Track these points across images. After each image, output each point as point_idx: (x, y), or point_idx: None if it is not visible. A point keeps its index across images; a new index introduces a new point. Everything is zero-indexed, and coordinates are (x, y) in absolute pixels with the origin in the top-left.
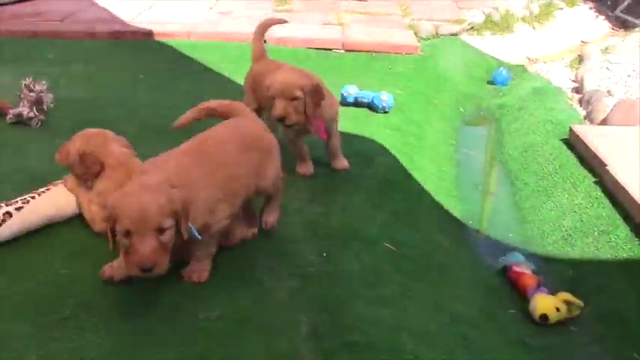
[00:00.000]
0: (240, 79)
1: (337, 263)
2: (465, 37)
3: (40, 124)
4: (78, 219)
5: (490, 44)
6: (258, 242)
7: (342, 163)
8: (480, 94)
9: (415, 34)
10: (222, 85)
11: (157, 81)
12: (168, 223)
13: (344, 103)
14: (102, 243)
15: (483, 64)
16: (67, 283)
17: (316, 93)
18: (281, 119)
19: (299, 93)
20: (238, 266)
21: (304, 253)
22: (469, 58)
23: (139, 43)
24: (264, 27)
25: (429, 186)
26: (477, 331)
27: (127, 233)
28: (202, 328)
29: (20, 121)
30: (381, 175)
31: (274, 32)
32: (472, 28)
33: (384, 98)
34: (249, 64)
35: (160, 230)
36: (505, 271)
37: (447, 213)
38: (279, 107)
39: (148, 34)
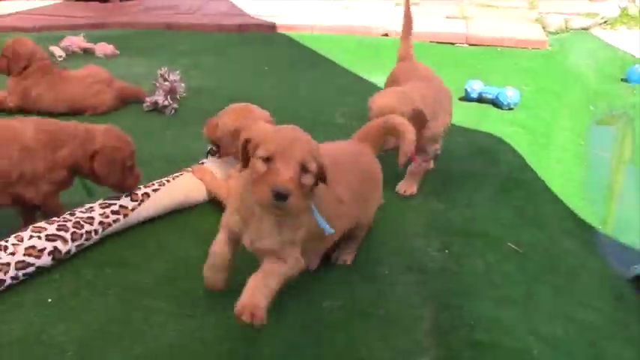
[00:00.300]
0: (361, 73)
1: (459, 260)
2: (597, 31)
3: (173, 111)
4: (208, 204)
5: (625, 39)
6: (380, 236)
7: (412, 189)
8: (612, 92)
9: (543, 28)
10: (344, 78)
11: (281, 72)
12: (313, 167)
13: (467, 98)
14: None
15: (617, 61)
16: (198, 264)
17: (417, 118)
18: None
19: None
20: (361, 259)
21: (425, 248)
22: (601, 54)
23: (264, 36)
24: (406, 22)
25: (555, 187)
26: (607, 341)
27: (268, 159)
28: (326, 317)
29: (155, 109)
30: (505, 173)
31: (398, 25)
32: (605, 22)
33: (510, 94)
34: (370, 58)
35: (304, 169)
36: (638, 280)
37: (574, 215)
38: None
39: (273, 27)
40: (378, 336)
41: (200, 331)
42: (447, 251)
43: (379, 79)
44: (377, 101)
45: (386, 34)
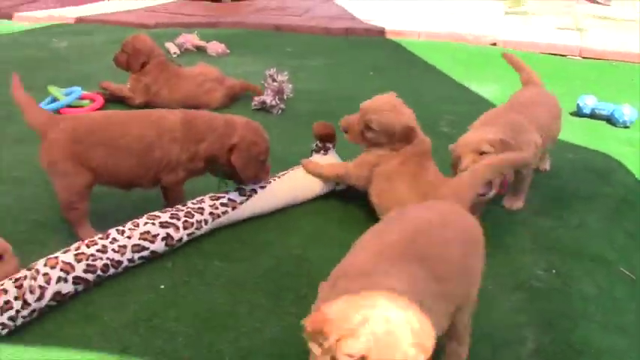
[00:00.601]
0: (467, 82)
1: (567, 281)
2: None
3: (280, 112)
4: (313, 204)
5: None
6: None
7: (518, 203)
8: None
9: None
10: (449, 86)
11: (386, 78)
12: None
13: (579, 114)
14: (334, 228)
15: None
16: (301, 262)
17: (506, 150)
18: None
19: (487, 147)
20: None
21: (531, 266)
22: None
23: (371, 40)
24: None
25: None
26: None
27: None
28: None
29: (263, 108)
30: (618, 195)
31: (507, 35)
32: None
33: (627, 112)
34: (477, 67)
35: None
36: None
37: None
38: (465, 162)
39: (380, 31)
40: (483, 352)
41: (302, 330)
42: (554, 271)
43: (485, 89)
44: (461, 140)
45: (494, 44)
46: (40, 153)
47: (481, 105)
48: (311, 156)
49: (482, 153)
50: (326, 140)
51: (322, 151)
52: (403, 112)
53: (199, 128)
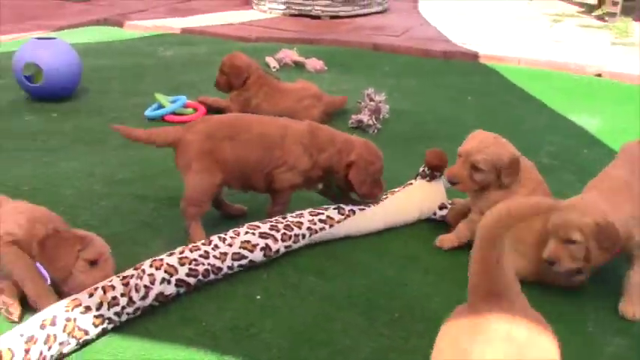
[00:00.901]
0: (568, 113)
1: None
2: None
3: (375, 131)
4: (408, 229)
5: None
6: (589, 289)
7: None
8: None
9: None
10: (549, 116)
11: (483, 104)
12: None
13: None
14: (428, 254)
15: None
16: (395, 285)
17: (603, 236)
18: (550, 263)
19: (577, 236)
20: (567, 310)
21: None
22: None
23: (469, 64)
24: None
25: None
26: None
27: None
28: None
29: (359, 127)
30: None
31: (612, 66)
32: None
33: None
34: (580, 98)
35: None
36: None
37: None
38: (549, 249)
39: (478, 56)
40: None
41: (394, 353)
42: None
43: (588, 120)
44: (553, 217)
45: (599, 75)
46: (177, 157)
47: (583, 137)
48: (415, 179)
49: (569, 241)
50: (435, 170)
51: (428, 178)
52: (505, 144)
53: (321, 139)
